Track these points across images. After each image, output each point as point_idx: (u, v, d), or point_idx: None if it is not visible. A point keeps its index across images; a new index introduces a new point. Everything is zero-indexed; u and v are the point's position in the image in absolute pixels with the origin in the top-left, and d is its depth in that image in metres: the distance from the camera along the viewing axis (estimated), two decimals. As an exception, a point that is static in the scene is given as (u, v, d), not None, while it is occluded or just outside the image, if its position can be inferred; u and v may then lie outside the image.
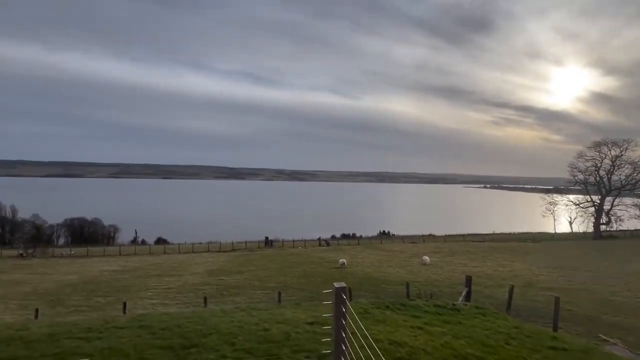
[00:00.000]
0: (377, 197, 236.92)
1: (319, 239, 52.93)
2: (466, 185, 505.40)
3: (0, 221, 73.88)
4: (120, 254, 40.78)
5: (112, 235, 79.00)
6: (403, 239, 53.53)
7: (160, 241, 68.56)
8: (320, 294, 18.53)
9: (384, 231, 77.30)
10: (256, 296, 17.47)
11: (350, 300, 13.77)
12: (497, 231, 65.54)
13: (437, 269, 26.66)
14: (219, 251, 42.91)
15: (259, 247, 45.72)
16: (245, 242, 48.28)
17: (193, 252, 42.39)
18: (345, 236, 68.54)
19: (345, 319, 3.31)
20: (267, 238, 48.52)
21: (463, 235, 59.78)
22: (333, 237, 65.44)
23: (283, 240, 49.19)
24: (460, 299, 11.54)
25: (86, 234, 74.61)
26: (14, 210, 77.58)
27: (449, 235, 59.83)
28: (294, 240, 51.01)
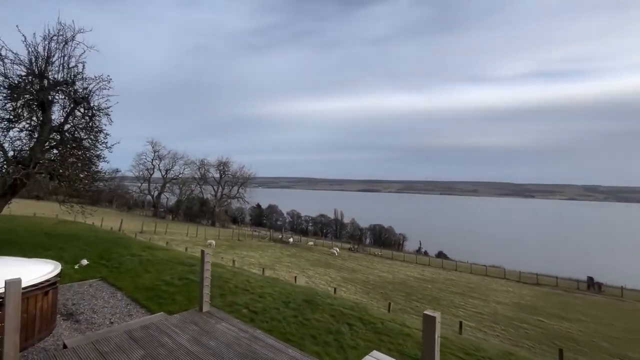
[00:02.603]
0: None
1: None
2: None
3: (335, 222, 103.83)
4: (416, 262, 44.97)
5: (401, 242, 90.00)
6: None
7: (440, 255, 70.37)
8: None
9: None
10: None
11: None
12: None
13: None
14: (518, 281, 36.75)
15: (578, 289, 34.69)
16: (556, 277, 38.29)
17: (486, 275, 39.06)
18: None
19: None
20: (591, 279, 35.96)
21: None
22: None
23: (622, 288, 34.27)
24: None
25: (383, 238, 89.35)
26: (341, 215, 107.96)
27: None
28: (643, 291, 34.42)
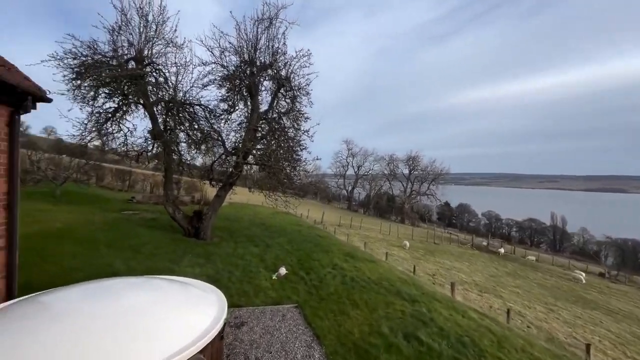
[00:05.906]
0: None
1: None
2: None
3: (552, 229, 78.46)
4: None
5: (670, 269, 56.43)
6: None
7: None
8: None
9: None
10: None
11: None
12: None
13: None
14: None
15: None
16: None
17: None
18: None
19: None
20: None
21: None
22: None
23: None
24: None
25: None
26: (564, 221, 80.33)
27: None
28: None
